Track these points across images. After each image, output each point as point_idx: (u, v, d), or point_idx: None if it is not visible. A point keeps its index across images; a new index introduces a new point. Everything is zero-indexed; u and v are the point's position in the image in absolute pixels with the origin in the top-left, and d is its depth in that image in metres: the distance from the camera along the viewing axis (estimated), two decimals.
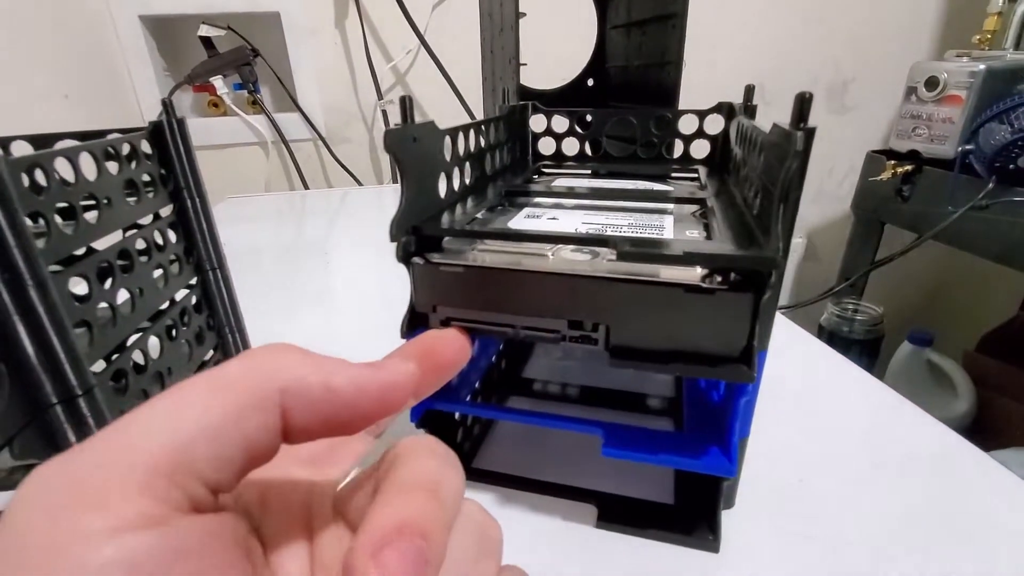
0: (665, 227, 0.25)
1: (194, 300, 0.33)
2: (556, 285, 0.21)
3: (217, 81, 0.93)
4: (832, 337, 1.03)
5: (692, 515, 0.25)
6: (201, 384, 0.12)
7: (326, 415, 0.13)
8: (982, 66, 0.83)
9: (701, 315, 0.20)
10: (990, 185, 0.79)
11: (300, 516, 0.15)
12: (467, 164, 0.29)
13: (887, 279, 1.14)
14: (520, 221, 0.27)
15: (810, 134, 0.17)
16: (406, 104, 0.22)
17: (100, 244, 0.27)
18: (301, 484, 0.15)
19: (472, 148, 0.30)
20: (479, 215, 0.28)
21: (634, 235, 0.24)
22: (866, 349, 1.02)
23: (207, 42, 0.91)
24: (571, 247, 0.22)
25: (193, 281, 0.33)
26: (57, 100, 0.77)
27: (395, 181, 1.03)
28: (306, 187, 1.02)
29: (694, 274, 0.20)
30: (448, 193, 0.27)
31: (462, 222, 0.26)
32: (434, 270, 0.22)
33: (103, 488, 0.10)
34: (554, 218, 0.27)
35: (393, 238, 0.22)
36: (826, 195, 1.23)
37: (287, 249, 0.73)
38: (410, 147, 0.22)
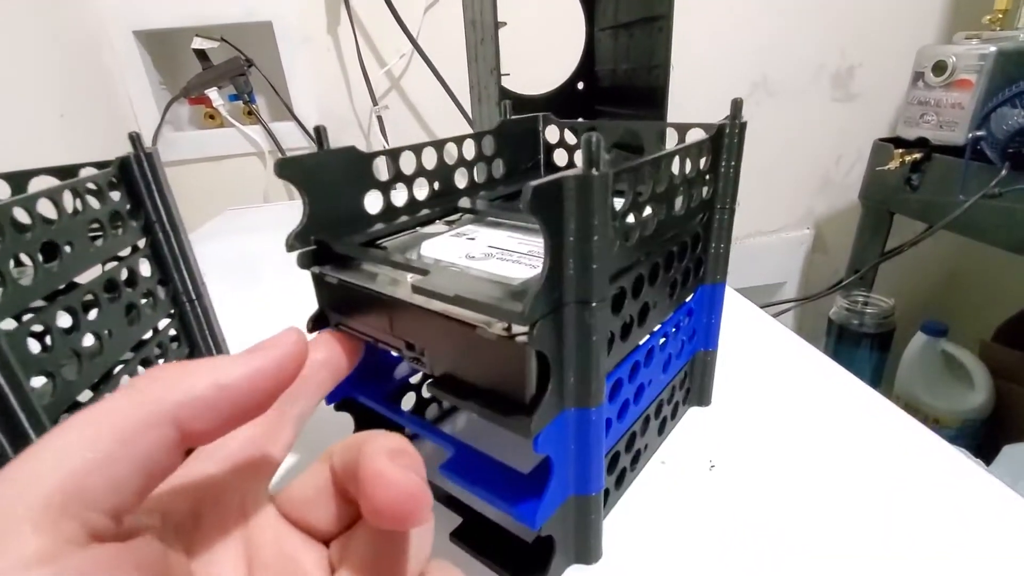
0: None
1: (172, 333, 0.32)
2: (381, 305, 0.22)
3: (212, 93, 0.93)
4: (842, 331, 1.01)
5: (540, 563, 0.23)
6: (85, 417, 0.12)
7: (227, 411, 0.13)
8: (993, 48, 0.79)
9: (486, 356, 0.20)
10: (1003, 172, 0.76)
11: (235, 520, 0.15)
12: (417, 181, 0.30)
13: (898, 270, 1.11)
14: (442, 239, 0.28)
15: None
16: (320, 133, 0.25)
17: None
18: (234, 488, 0.16)
19: (431, 166, 0.31)
20: (424, 229, 0.30)
21: (475, 265, 0.24)
22: (877, 342, 0.99)
23: (201, 54, 0.91)
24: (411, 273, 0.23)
25: (171, 312, 0.33)
26: (53, 120, 0.78)
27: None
28: None
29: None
30: (386, 208, 0.29)
31: (377, 234, 0.28)
32: (320, 279, 0.25)
33: None
34: (472, 238, 0.28)
35: (288, 249, 0.24)
36: (833, 185, 1.20)
37: (286, 260, 0.73)
38: (312, 172, 0.24)
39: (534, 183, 0.16)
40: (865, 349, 1.00)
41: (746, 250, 1.19)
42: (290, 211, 0.96)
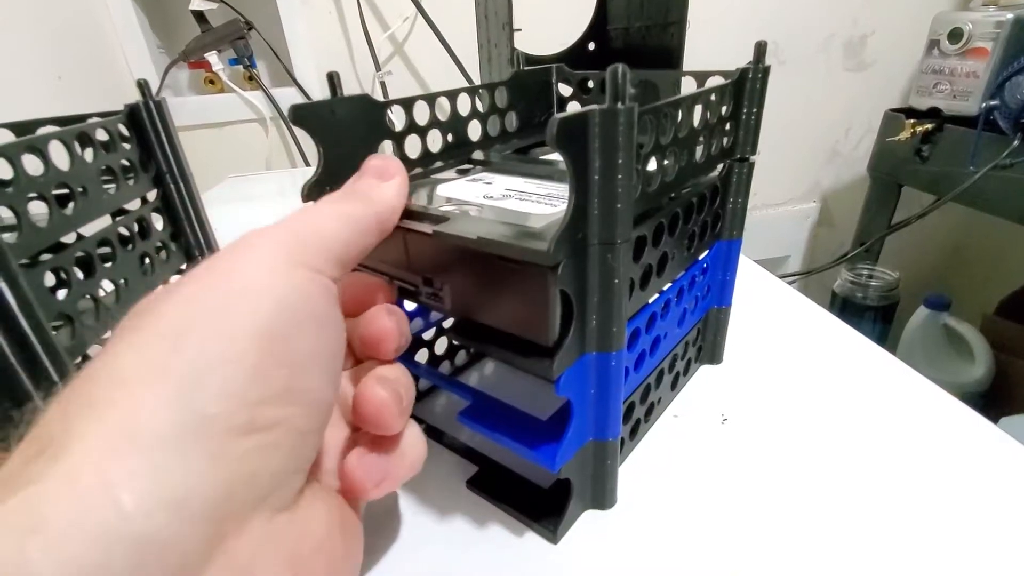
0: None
1: None
2: (398, 241, 0.22)
3: (212, 57, 0.91)
4: (845, 303, 1.01)
5: (556, 507, 0.24)
6: (332, 205, 0.19)
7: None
8: (1010, 15, 0.78)
9: (511, 290, 0.19)
10: (1015, 143, 0.75)
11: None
12: (432, 132, 0.30)
13: (904, 243, 1.11)
14: (459, 183, 0.28)
15: None
16: (333, 80, 0.24)
17: (85, 231, 0.26)
18: None
19: (444, 117, 0.30)
20: (439, 176, 0.29)
21: (500, 207, 0.23)
22: (880, 315, 1.00)
23: (200, 16, 0.89)
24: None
25: (183, 267, 0.32)
26: (51, 82, 0.76)
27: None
28: (307, 163, 1.01)
29: None
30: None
31: None
32: None
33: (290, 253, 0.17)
34: (489, 183, 0.27)
35: (305, 199, 0.23)
36: (842, 157, 1.19)
37: None
38: (326, 120, 0.24)
39: (560, 116, 0.16)
40: (868, 322, 1.00)
41: (750, 223, 1.18)
42: (292, 179, 0.95)
